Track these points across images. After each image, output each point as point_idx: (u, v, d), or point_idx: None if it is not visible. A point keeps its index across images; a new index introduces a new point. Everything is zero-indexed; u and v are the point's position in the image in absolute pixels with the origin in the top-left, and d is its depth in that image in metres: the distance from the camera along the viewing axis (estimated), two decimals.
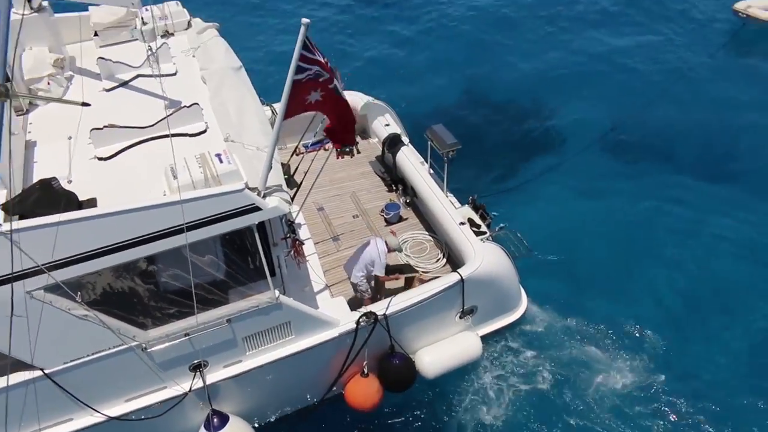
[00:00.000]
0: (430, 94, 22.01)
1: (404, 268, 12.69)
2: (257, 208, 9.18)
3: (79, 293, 8.78)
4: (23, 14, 12.14)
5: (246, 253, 9.76)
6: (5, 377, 9.04)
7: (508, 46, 25.04)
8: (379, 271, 11.70)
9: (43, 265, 8.21)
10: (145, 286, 9.32)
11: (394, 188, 14.76)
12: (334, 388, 11.51)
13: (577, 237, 15.84)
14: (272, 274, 10.06)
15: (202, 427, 10.61)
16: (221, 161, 9.38)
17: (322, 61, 9.37)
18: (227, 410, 10.79)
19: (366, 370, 11.37)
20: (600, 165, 18.41)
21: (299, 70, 9.15)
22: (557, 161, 18.66)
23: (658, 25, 26.27)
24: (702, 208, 16.65)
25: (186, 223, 8.71)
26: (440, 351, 12.05)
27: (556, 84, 22.40)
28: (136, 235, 8.61)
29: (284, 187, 9.79)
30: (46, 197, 8.64)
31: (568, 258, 15.21)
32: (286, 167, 12.91)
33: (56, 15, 12.76)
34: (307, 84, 9.39)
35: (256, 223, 9.38)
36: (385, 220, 14.07)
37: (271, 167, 9.49)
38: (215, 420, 10.56)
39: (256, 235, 9.50)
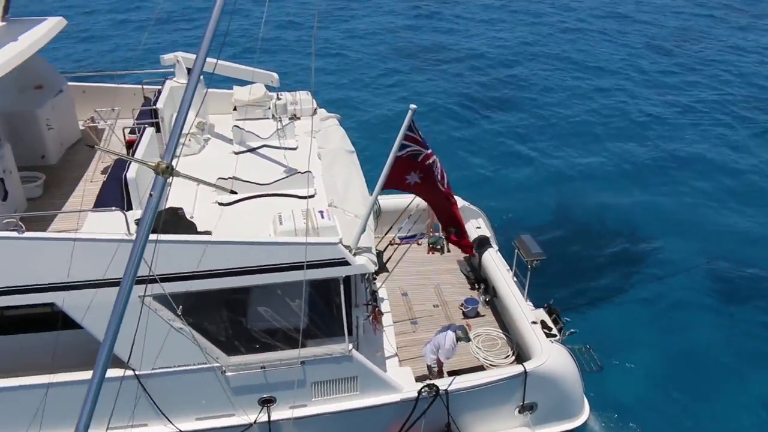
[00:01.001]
0: (526, 207, 23.00)
1: None
2: (347, 263, 10.27)
3: (180, 307, 9.98)
4: (182, 83, 14.36)
5: (330, 305, 10.79)
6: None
7: (604, 176, 25.85)
8: (442, 356, 12.31)
9: (157, 275, 9.50)
10: (236, 315, 10.46)
11: (477, 287, 15.51)
12: None
13: (648, 362, 15.89)
14: (349, 331, 10.98)
15: None
16: (323, 217, 10.64)
17: (425, 145, 10.64)
18: None
19: None
20: (684, 297, 18.49)
21: (401, 147, 10.45)
22: (637, 287, 19.02)
23: None
24: None
25: (284, 264, 9.92)
26: None
27: (650, 215, 22.89)
28: (241, 266, 9.85)
29: (373, 250, 10.86)
30: (173, 220, 10.10)
31: (638, 381, 15.24)
32: (379, 255, 14.09)
33: (207, 89, 14.85)
34: (407, 161, 10.64)
35: (343, 276, 10.44)
36: (464, 313, 14.76)
37: (364, 230, 10.65)
38: None
39: (341, 288, 10.54)
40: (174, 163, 6.93)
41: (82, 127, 14.51)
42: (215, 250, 9.73)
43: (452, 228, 11.74)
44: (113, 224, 9.82)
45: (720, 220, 22.66)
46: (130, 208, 10.40)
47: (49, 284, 9.73)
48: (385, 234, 15.98)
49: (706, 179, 25.49)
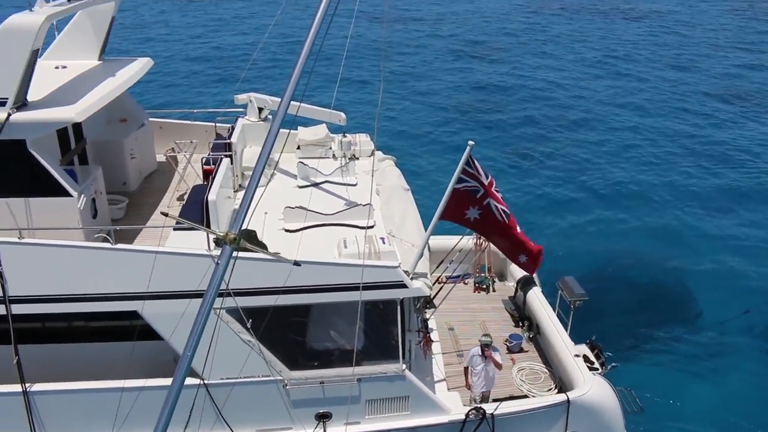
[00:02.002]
0: (569, 249, 23.63)
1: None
2: (404, 285, 11.08)
3: (250, 321, 10.83)
4: (252, 120, 15.56)
5: (387, 326, 11.57)
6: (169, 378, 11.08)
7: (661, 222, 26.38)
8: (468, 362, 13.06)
9: (232, 289, 10.40)
10: (300, 331, 11.28)
11: (521, 324, 16.10)
12: None
13: (691, 404, 16.17)
14: (403, 353, 11.71)
15: None
16: (383, 243, 11.50)
17: (484, 181, 11.51)
18: None
19: None
20: (729, 342, 18.72)
21: (459, 180, 11.33)
22: (681, 330, 19.38)
23: None
24: None
25: (348, 284, 10.77)
26: None
27: (695, 260, 23.31)
28: (309, 284, 10.72)
29: (429, 276, 11.66)
30: (248, 241, 11.03)
31: (679, 423, 15.53)
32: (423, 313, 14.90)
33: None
34: (466, 195, 11.50)
35: (401, 298, 11.23)
36: (508, 348, 15.33)
37: (421, 256, 11.47)
38: None
39: (399, 310, 11.32)
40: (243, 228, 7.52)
41: (159, 159, 15.73)
42: (288, 269, 10.61)
43: (522, 254, 12.39)
44: (195, 241, 10.82)
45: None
46: (208, 227, 11.39)
47: (133, 293, 10.71)
48: (432, 272, 16.74)
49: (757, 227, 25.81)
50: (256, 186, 7.79)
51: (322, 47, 8.01)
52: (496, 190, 11.83)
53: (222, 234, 7.64)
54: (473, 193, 11.57)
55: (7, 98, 10.62)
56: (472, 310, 16.95)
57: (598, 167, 31.97)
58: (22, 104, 10.93)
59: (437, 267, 16.58)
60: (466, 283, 17.85)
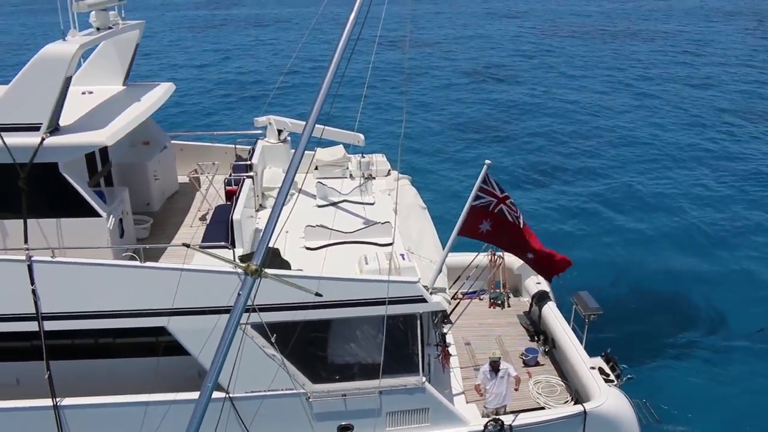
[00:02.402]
0: (583, 266, 23.81)
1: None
2: (424, 300, 11.41)
3: (274, 336, 11.17)
4: (272, 142, 16.01)
5: (407, 340, 11.87)
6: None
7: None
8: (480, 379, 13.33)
9: (257, 305, 10.77)
10: (322, 346, 11.61)
11: (536, 338, 16.35)
12: None
13: (706, 418, 16.31)
14: (423, 366, 12.01)
15: None
16: (403, 259, 11.85)
17: (498, 195, 11.88)
18: None
19: None
20: (746, 358, 18.84)
21: (476, 197, 11.70)
22: (696, 344, 19.55)
23: None
24: None
25: (370, 299, 11.12)
26: None
27: (708, 276, 23.47)
28: (332, 299, 11.06)
29: (447, 291, 11.99)
30: (272, 258, 11.42)
31: None
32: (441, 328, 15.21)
33: (291, 150, 16.43)
34: (481, 210, 11.86)
35: (421, 312, 11.55)
36: (524, 362, 15.58)
37: (440, 272, 11.81)
38: None
39: (418, 324, 11.64)
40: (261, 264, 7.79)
41: (181, 180, 16.19)
42: (311, 285, 10.97)
43: (530, 253, 12.69)
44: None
45: None
46: (233, 246, 11.78)
47: (160, 309, 11.08)
48: (449, 289, 17.04)
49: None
50: (281, 208, 8.21)
51: (346, 71, 8.45)
52: (511, 203, 12.17)
53: (244, 266, 7.86)
54: (487, 207, 11.93)
55: (42, 123, 11.09)
56: (488, 325, 17.22)
57: (611, 180, 32.63)
58: (54, 129, 11.41)
59: (453, 283, 16.90)
60: (482, 299, 18.14)
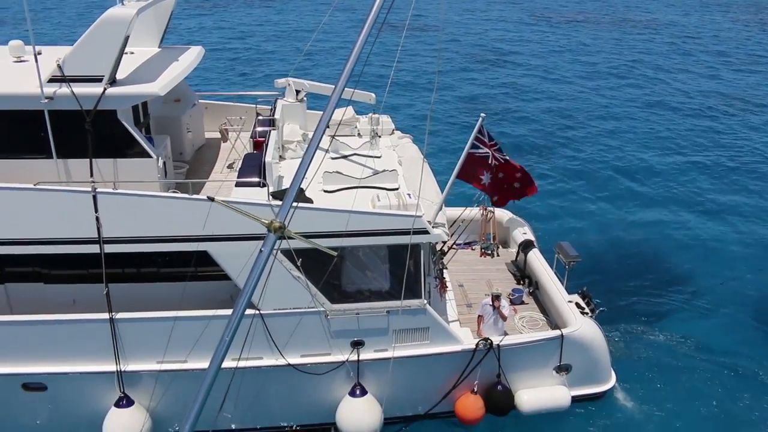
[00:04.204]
0: (567, 223, 26.18)
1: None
2: (426, 232, 13.41)
3: (300, 260, 13.13)
4: (290, 101, 17.87)
5: (410, 267, 13.87)
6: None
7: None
8: (481, 310, 15.49)
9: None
10: (340, 271, 13.59)
11: (522, 282, 18.43)
12: (444, 401, 14.81)
13: (672, 348, 18.56)
14: (424, 291, 14.04)
15: (347, 394, 14.26)
16: (410, 197, 13.83)
17: (488, 144, 13.88)
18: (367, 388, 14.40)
19: (476, 389, 14.66)
20: (703, 314, 21.03)
21: (473, 146, 13.68)
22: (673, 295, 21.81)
23: None
24: None
25: (382, 230, 13.11)
26: (536, 393, 15.12)
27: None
28: (351, 230, 13.03)
29: (446, 226, 14.00)
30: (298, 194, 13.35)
31: (662, 359, 17.88)
32: (441, 255, 17.22)
33: (309, 111, 18.29)
34: (480, 160, 13.85)
35: (424, 243, 13.56)
36: (510, 300, 17.64)
37: (441, 209, 13.82)
38: (357, 390, 14.21)
39: (422, 253, 13.65)
40: (287, 221, 7.84)
41: (207, 136, 18.08)
42: (334, 217, 12.97)
43: (517, 184, 14.72)
44: (255, 195, 13.17)
45: None
46: (265, 184, 13.73)
47: (204, 236, 13.02)
48: (439, 251, 19.12)
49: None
50: (310, 162, 8.94)
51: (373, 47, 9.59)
52: (498, 149, 14.13)
53: (267, 222, 7.77)
54: (485, 159, 13.92)
55: (104, 75, 12.95)
56: (479, 271, 19.28)
57: (599, 148, 35.33)
58: (113, 81, 13.27)
59: (445, 243, 18.90)
60: (473, 249, 20.19)
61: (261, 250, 7.66)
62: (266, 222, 7.72)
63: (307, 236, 13.03)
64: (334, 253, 10.03)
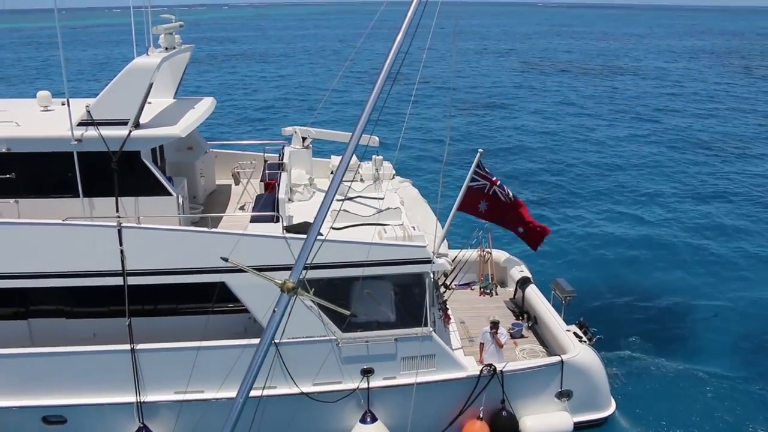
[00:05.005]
0: (560, 262, 27.09)
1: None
2: (430, 261, 14.24)
3: (312, 290, 13.86)
4: (297, 148, 18.89)
5: (417, 296, 14.64)
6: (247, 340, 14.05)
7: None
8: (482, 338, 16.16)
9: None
10: (351, 299, 14.32)
11: (521, 317, 19.16)
12: (451, 428, 15.34)
13: (670, 375, 19.23)
14: (430, 319, 14.78)
15: (358, 421, 14.78)
16: (414, 230, 14.70)
17: (491, 178, 14.85)
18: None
19: (482, 415, 15.22)
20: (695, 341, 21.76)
21: (472, 179, 14.65)
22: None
23: None
24: None
25: (390, 260, 13.92)
26: (540, 419, 15.66)
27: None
28: (361, 260, 13.83)
29: (449, 257, 14.83)
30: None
31: (660, 390, 18.48)
32: (441, 296, 18.03)
33: (314, 159, 19.30)
34: (478, 191, 14.80)
35: (428, 272, 14.37)
36: (511, 334, 18.33)
37: (443, 240, 14.68)
38: (368, 418, 14.75)
39: (427, 282, 14.43)
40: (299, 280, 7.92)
41: (217, 182, 19.03)
42: (346, 248, 13.79)
43: (521, 227, 15.61)
44: (271, 228, 14.01)
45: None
46: (279, 218, 14.58)
47: (222, 268, 13.76)
48: (442, 284, 19.90)
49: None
50: (329, 208, 9.79)
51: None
52: (501, 184, 15.13)
53: (281, 282, 7.84)
54: (482, 189, 14.88)
55: (129, 119, 13.94)
56: (479, 309, 20.00)
57: (591, 183, 37.86)
58: (137, 125, 14.25)
59: (447, 276, 19.73)
60: (473, 289, 20.97)
61: (274, 310, 7.67)
62: (279, 282, 7.72)
63: (320, 267, 13.97)
64: (347, 312, 10.77)
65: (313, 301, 8.86)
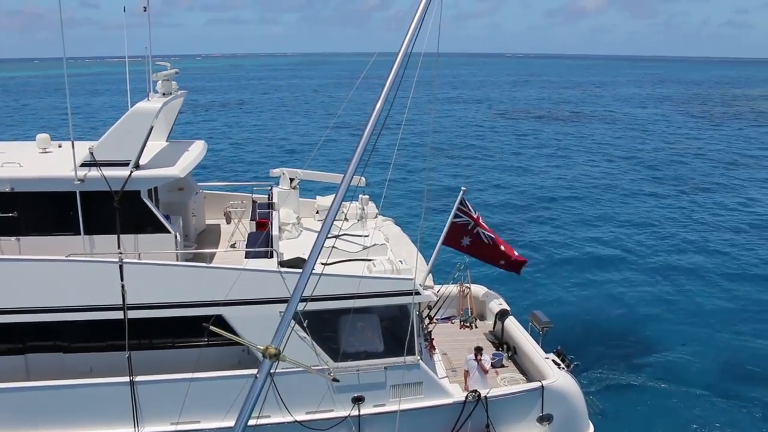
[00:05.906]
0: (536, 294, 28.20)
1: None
2: (419, 293, 15.06)
3: (306, 322, 14.58)
4: (285, 189, 19.74)
5: (404, 326, 15.39)
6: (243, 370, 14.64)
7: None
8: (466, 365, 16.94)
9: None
10: (341, 330, 15.04)
11: (501, 348, 19.96)
12: None
13: (646, 401, 20.09)
14: (417, 348, 15.53)
15: None
16: (401, 263, 15.55)
17: (474, 215, 15.80)
18: None
19: None
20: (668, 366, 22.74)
21: (455, 216, 15.60)
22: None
23: None
24: None
25: (380, 292, 14.71)
26: None
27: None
28: (351, 293, 14.59)
29: (434, 289, 15.67)
30: (302, 263, 14.99)
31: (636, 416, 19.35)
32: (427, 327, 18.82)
33: (300, 199, 20.16)
34: (461, 227, 15.73)
35: (416, 303, 15.18)
36: (492, 364, 19.09)
37: (429, 273, 15.54)
38: None
39: (414, 312, 15.22)
40: (282, 346, 7.90)
41: (207, 222, 19.78)
42: (338, 281, 14.56)
43: (502, 260, 16.54)
44: (265, 263, 14.77)
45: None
46: (273, 254, 15.33)
47: (219, 301, 14.45)
48: (426, 316, 20.68)
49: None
50: (321, 247, 9.78)
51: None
52: (483, 222, 16.11)
53: (263, 348, 7.78)
54: (466, 225, 15.83)
55: (131, 160, 14.72)
56: (460, 341, 20.76)
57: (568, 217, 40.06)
58: (137, 166, 15.02)
59: (431, 309, 20.51)
60: (453, 323, 21.75)
61: (256, 377, 7.63)
62: (261, 348, 7.76)
63: (313, 299, 14.71)
64: (330, 377, 11.47)
65: (293, 364, 8.95)
